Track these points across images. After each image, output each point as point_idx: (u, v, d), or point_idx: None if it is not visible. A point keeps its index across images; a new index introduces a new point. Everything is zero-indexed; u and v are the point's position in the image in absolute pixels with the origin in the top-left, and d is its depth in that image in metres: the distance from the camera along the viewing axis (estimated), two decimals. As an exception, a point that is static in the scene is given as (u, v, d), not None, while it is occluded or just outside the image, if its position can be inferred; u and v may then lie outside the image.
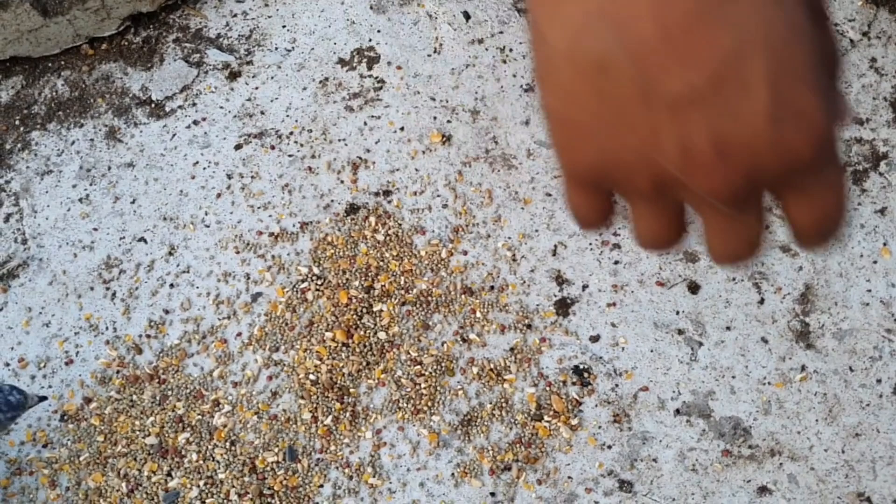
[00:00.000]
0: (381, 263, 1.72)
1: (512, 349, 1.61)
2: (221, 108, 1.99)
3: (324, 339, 1.64)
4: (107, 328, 1.70)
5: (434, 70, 2.00)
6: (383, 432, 1.55)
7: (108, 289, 1.75)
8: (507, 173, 1.83)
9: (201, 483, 1.52)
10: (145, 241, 1.81)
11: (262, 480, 1.51)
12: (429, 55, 2.03)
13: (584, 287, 1.67)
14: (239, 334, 1.67)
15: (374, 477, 1.50)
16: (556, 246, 1.72)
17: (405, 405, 1.56)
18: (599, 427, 1.52)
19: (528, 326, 1.63)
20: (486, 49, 2.03)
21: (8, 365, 1.68)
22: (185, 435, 1.57)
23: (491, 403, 1.55)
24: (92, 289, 1.76)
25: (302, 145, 1.91)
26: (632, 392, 1.55)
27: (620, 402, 1.54)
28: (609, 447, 1.50)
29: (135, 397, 1.61)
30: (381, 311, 1.66)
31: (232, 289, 1.73)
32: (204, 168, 1.90)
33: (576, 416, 1.53)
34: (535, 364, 1.59)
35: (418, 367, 1.60)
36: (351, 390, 1.59)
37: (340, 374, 1.60)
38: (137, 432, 1.57)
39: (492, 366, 1.59)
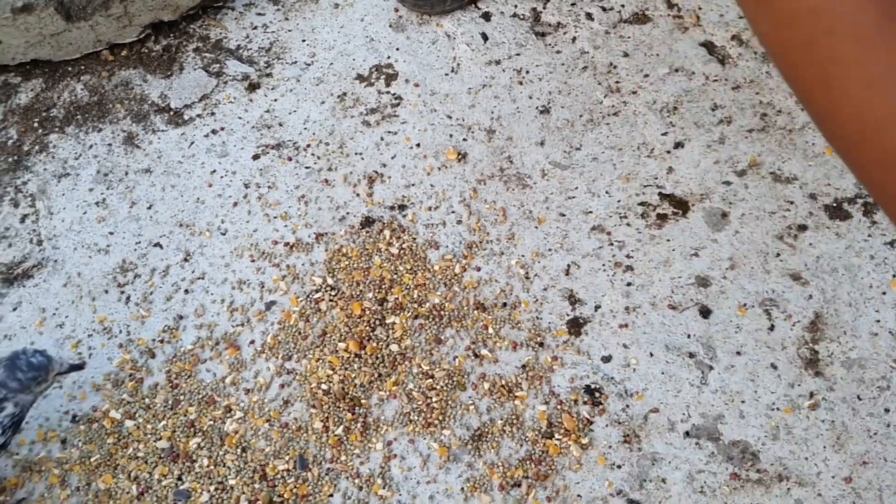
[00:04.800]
0: (395, 276, 1.73)
1: (524, 366, 1.62)
2: (240, 118, 2.01)
3: (336, 349, 1.65)
4: (120, 331, 1.71)
5: (451, 89, 2.02)
6: (394, 444, 1.55)
7: (122, 292, 1.76)
8: (522, 192, 1.85)
9: (212, 488, 1.52)
10: (161, 247, 1.82)
11: (272, 488, 1.52)
12: (446, 74, 2.05)
13: (597, 307, 1.69)
14: (252, 342, 1.68)
15: (384, 489, 1.51)
16: (569, 265, 1.74)
17: (416, 418, 1.57)
18: (609, 447, 1.53)
19: (541, 344, 1.64)
20: (503, 70, 2.05)
21: (20, 364, 1.68)
22: (196, 440, 1.57)
23: (502, 419, 1.57)
24: (106, 292, 1.76)
25: (319, 158, 1.93)
26: (642, 413, 1.57)
27: (631, 422, 1.55)
28: (619, 467, 1.51)
29: (147, 401, 1.62)
30: (394, 323, 1.68)
31: (246, 297, 1.74)
32: (221, 177, 1.92)
33: (586, 435, 1.54)
34: (546, 382, 1.60)
35: (430, 380, 1.61)
36: (362, 401, 1.60)
37: (352, 385, 1.61)
38: (149, 436, 1.58)
39: (503, 382, 1.60)
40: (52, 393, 1.64)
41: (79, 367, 1.53)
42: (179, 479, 1.54)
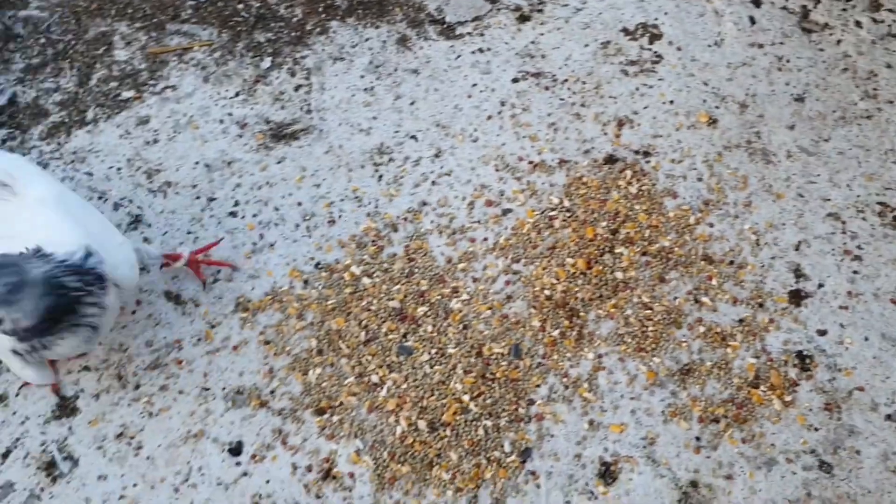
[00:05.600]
0: (630, 213, 1.82)
1: (741, 321, 1.68)
2: (506, 43, 2.14)
3: (564, 263, 1.75)
4: (369, 203, 1.86)
5: (712, 59, 2.09)
6: (604, 358, 1.64)
7: (376, 171, 1.91)
8: (765, 167, 1.90)
9: (433, 351, 1.65)
10: (416, 140, 1.97)
11: (486, 365, 1.63)
12: (709, 45, 2.12)
13: (820, 286, 1.73)
14: (486, 239, 1.80)
15: (588, 392, 1.60)
16: (800, 242, 1.79)
17: (629, 341, 1.66)
18: (810, 410, 1.58)
19: (760, 305, 1.70)
20: (765, 54, 2.11)
21: (277, 209, 1.85)
22: (424, 308, 1.70)
23: (711, 362, 1.63)
24: (362, 167, 1.92)
25: (574, 93, 2.03)
26: (848, 388, 1.60)
27: (835, 393, 1.60)
28: (816, 429, 1.56)
29: (385, 265, 1.76)
30: (622, 254, 1.76)
31: (485, 199, 1.86)
32: (481, 91, 2.05)
33: (790, 394, 1.59)
34: (760, 339, 1.66)
35: (648, 311, 1.69)
36: (581, 314, 1.69)
37: (574, 297, 1.71)
38: (383, 295, 1.72)
39: (718, 330, 1.67)
40: (301, 240, 1.81)
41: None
42: (404, 336, 1.67)
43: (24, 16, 2.19)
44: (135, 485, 1.54)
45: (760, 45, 2.11)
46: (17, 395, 1.64)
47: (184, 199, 1.86)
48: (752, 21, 2.16)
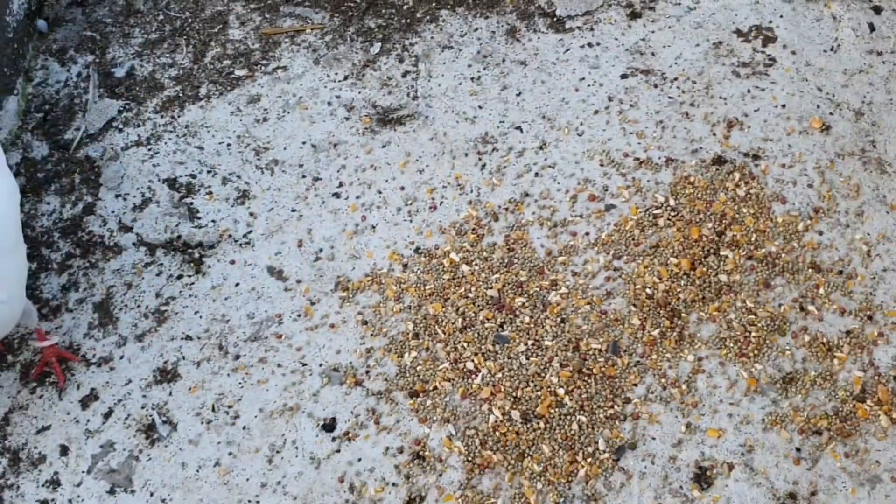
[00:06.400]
0: (737, 216, 1.78)
1: (848, 332, 1.63)
2: (616, 39, 2.12)
3: (667, 262, 1.73)
4: (472, 191, 1.86)
5: (827, 65, 2.04)
6: (704, 361, 1.62)
7: (480, 159, 1.92)
8: (879, 177, 1.85)
9: (529, 342, 1.64)
10: (521, 131, 1.96)
11: (583, 360, 1.62)
12: (825, 50, 2.07)
13: (935, 302, 1.67)
14: (587, 234, 1.79)
15: (687, 394, 1.58)
16: (914, 256, 1.73)
17: (731, 345, 1.63)
18: (920, 430, 1.53)
19: (870, 318, 1.65)
20: (884, 62, 2.05)
21: (380, 192, 1.87)
22: (521, 299, 1.70)
23: (815, 372, 1.59)
24: (466, 155, 1.92)
25: (684, 92, 2.00)
26: (961, 411, 1.55)
27: (947, 415, 1.54)
28: (925, 451, 1.50)
29: (485, 254, 1.76)
30: (727, 257, 1.73)
31: (588, 194, 1.84)
32: (588, 85, 2.03)
33: (899, 411, 1.54)
34: (868, 353, 1.61)
35: (752, 316, 1.65)
36: (682, 314, 1.67)
37: (676, 298, 1.68)
38: (481, 283, 1.72)
39: (824, 340, 1.62)
40: (402, 224, 1.82)
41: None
42: (501, 326, 1.67)
43: (143, -8, 2.25)
44: (230, 453, 1.57)
45: (879, 53, 2.05)
46: (121, 357, 1.69)
47: (290, 178, 1.89)
48: (872, 28, 2.10)
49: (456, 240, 1.79)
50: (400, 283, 1.74)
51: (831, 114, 1.94)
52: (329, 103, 2.01)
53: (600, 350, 1.63)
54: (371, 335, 1.68)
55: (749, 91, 1.99)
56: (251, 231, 1.83)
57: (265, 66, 2.09)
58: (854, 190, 1.82)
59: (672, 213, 1.80)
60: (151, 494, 1.54)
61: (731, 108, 1.96)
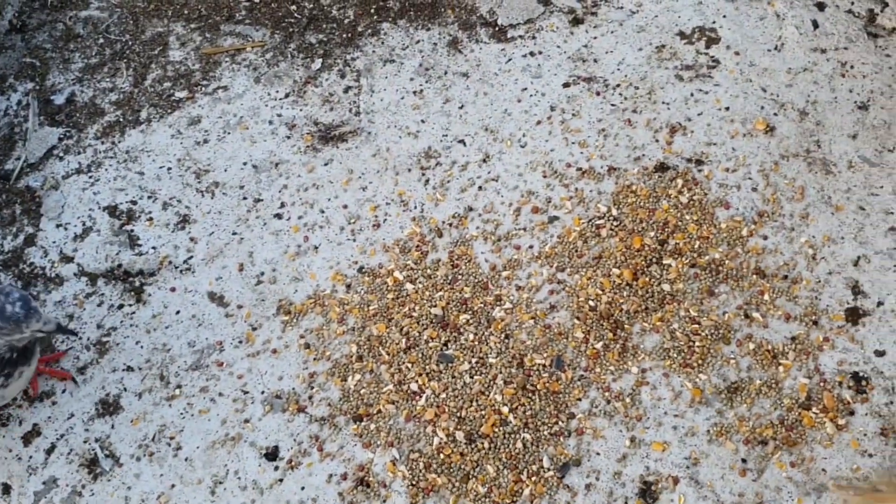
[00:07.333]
0: (680, 223, 1.77)
1: (793, 338, 1.62)
2: (559, 47, 2.10)
3: (610, 273, 1.71)
4: (415, 207, 1.84)
5: (771, 64, 2.03)
6: (648, 373, 1.60)
7: (423, 174, 1.90)
8: (824, 177, 1.84)
9: (473, 360, 1.62)
10: (464, 144, 1.94)
11: (527, 377, 1.60)
12: (769, 50, 2.05)
13: (880, 304, 1.66)
14: (531, 247, 1.77)
15: (631, 408, 1.56)
16: (859, 258, 1.72)
17: (675, 356, 1.61)
18: (865, 434, 1.52)
19: (815, 323, 1.64)
20: (828, 60, 2.03)
21: (323, 211, 1.85)
22: (465, 316, 1.68)
23: (761, 380, 1.58)
24: (409, 170, 1.90)
25: (626, 98, 1.99)
26: (906, 414, 1.54)
27: (892, 418, 1.53)
28: (870, 455, 1.49)
29: (429, 271, 1.74)
30: (670, 265, 1.72)
31: (532, 206, 1.83)
32: (531, 95, 2.01)
33: (844, 417, 1.53)
34: (813, 359, 1.60)
35: (696, 325, 1.64)
36: (625, 326, 1.65)
37: (619, 309, 1.67)
38: (425, 302, 1.70)
39: (769, 347, 1.61)
40: (346, 243, 1.80)
41: (70, 332, 1.48)
42: (445, 344, 1.65)
43: (84, 16, 2.23)
44: (172, 486, 1.55)
45: (823, 51, 2.04)
46: (63, 391, 1.67)
47: (231, 200, 1.87)
48: (815, 25, 2.08)
49: (400, 258, 1.77)
50: (343, 304, 1.72)
51: (776, 114, 1.93)
52: (270, 122, 1.99)
53: (544, 365, 1.62)
54: (314, 359, 1.66)
55: (692, 95, 1.98)
56: (192, 256, 1.80)
57: (206, 87, 2.06)
58: (799, 192, 1.81)
59: (614, 223, 1.78)
60: (91, 533, 1.52)
61: (674, 112, 1.95)
